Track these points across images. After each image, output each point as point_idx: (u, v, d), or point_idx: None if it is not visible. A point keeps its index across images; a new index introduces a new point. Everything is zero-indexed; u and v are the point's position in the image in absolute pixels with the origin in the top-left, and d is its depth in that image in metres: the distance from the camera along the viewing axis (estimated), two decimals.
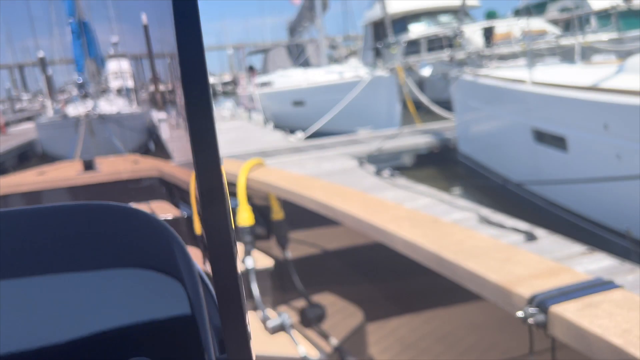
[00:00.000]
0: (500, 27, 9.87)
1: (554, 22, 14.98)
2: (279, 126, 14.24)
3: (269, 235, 2.64)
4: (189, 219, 2.79)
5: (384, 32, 22.48)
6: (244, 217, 2.33)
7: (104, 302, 0.54)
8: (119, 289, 0.55)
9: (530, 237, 3.40)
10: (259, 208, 2.46)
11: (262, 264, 2.52)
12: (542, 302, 1.83)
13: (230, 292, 0.44)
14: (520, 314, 1.86)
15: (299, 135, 11.71)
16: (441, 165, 9.11)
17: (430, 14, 21.06)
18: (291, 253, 2.40)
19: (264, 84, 17.47)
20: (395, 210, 1.84)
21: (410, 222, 1.63)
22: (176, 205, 3.24)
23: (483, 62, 8.19)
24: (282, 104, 15.30)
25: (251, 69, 21.28)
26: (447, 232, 1.54)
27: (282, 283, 2.42)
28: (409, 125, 11.10)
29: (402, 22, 20.42)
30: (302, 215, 2.16)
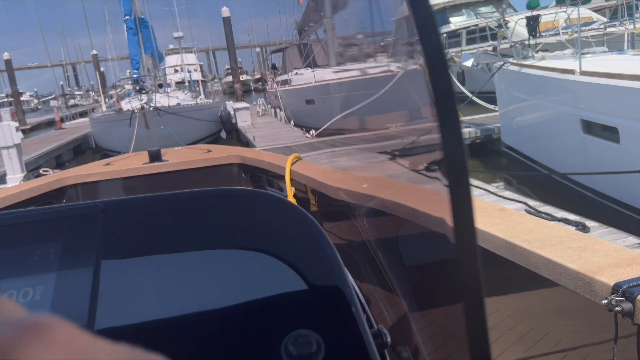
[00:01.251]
0: (544, 16, 9.69)
1: (599, 10, 14.50)
2: (298, 124, 14.42)
3: None
4: None
5: None
6: None
7: (257, 279, 0.57)
8: (268, 268, 0.58)
9: (583, 228, 3.33)
10: (299, 200, 2.59)
11: None
12: (628, 291, 1.82)
13: (471, 270, 0.47)
14: (604, 302, 1.86)
15: (312, 132, 11.84)
16: (484, 157, 9.10)
17: (470, 5, 20.70)
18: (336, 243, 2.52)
19: (284, 82, 17.58)
20: None
21: (478, 210, 1.66)
22: (262, 189, 3.46)
23: (528, 52, 8.13)
24: (298, 101, 15.38)
25: (274, 67, 21.35)
26: (517, 221, 1.57)
27: None
28: None
29: (442, 14, 20.19)
30: (337, 207, 2.20)
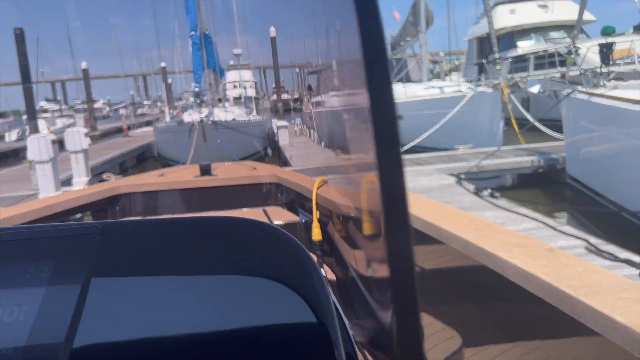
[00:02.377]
0: (619, 44, 9.21)
1: None
2: (329, 145, 14.30)
3: (331, 252, 2.67)
4: (306, 224, 2.96)
5: (489, 47, 21.87)
6: (315, 232, 2.43)
7: (239, 309, 0.56)
8: (251, 296, 0.57)
9: None
10: (325, 225, 2.53)
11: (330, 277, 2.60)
12: None
13: (407, 295, 0.48)
14: None
15: None
16: (546, 187, 8.66)
17: (540, 30, 20.12)
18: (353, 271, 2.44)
19: (318, 103, 17.62)
20: (505, 235, 1.73)
21: (523, 249, 1.54)
22: (293, 210, 3.43)
23: (599, 80, 7.70)
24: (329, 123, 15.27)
25: (310, 88, 21.41)
26: (565, 264, 1.44)
27: (342, 301, 2.41)
28: (512, 144, 10.69)
29: (509, 38, 19.72)
30: (362, 233, 2.11)
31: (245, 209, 3.38)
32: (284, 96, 36.85)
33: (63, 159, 10.52)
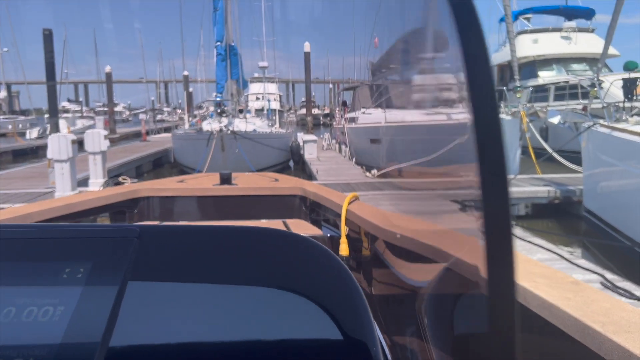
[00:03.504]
0: None
1: None
2: (360, 162, 14.43)
3: (358, 268, 2.63)
4: (332, 239, 2.92)
5: (510, 75, 21.85)
6: (343, 247, 2.42)
7: (275, 322, 0.55)
8: (290, 310, 0.56)
9: None
10: (352, 241, 2.51)
11: None
12: None
13: (504, 308, 0.47)
14: None
15: (373, 172, 11.80)
16: (562, 219, 8.56)
17: (562, 61, 20.08)
18: (384, 290, 2.40)
19: (351, 119, 17.80)
20: (529, 264, 1.67)
21: (548, 280, 1.49)
22: (317, 224, 3.40)
23: (622, 115, 7.65)
24: (363, 140, 15.43)
25: (344, 104, 21.79)
26: (591, 298, 1.38)
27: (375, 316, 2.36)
28: (528, 173, 10.60)
29: (531, 67, 19.70)
30: (397, 253, 2.08)
31: (264, 220, 3.37)
32: (314, 111, 37.21)
33: (81, 159, 10.66)
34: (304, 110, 43.18)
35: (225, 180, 3.53)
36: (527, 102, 11.70)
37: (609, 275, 4.34)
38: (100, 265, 0.56)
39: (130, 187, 3.49)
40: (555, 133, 13.96)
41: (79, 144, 10.18)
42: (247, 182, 3.61)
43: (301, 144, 16.60)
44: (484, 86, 0.49)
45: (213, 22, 13.34)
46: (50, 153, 8.66)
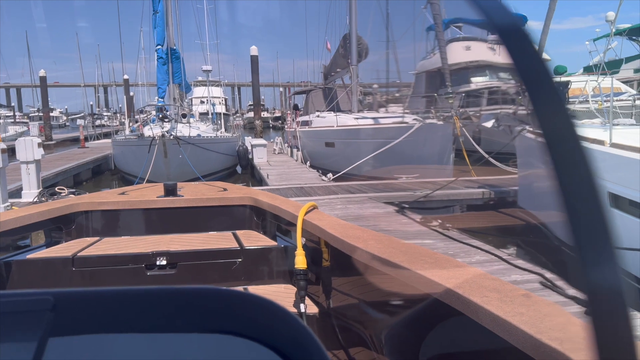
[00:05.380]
0: (574, 83, 9.63)
1: (628, 82, 14.48)
2: (314, 165, 14.55)
3: (317, 281, 2.61)
4: (287, 250, 2.90)
5: (440, 81, 22.52)
6: (300, 260, 2.42)
7: None
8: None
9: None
10: (309, 251, 2.50)
11: (310, 310, 2.51)
12: None
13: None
14: None
15: (329, 175, 11.92)
16: (497, 219, 8.95)
17: (492, 67, 20.93)
18: (338, 303, 2.39)
19: (304, 123, 17.90)
20: (479, 278, 1.59)
21: (499, 294, 1.44)
22: (269, 235, 3.35)
23: None
24: (317, 143, 15.56)
25: (296, 108, 21.88)
26: (544, 313, 1.34)
27: (325, 334, 2.34)
28: (466, 176, 11.01)
29: (463, 72, 20.43)
30: (351, 265, 2.09)
31: (212, 232, 3.31)
32: (263, 114, 36.85)
33: (13, 167, 10.12)
34: (251, 114, 42.79)
35: (170, 191, 3.44)
36: (460, 107, 12.16)
37: (548, 275, 4.45)
38: (7, 343, 0.49)
39: (66, 202, 3.34)
40: (489, 137, 14.55)
41: (11, 152, 9.66)
42: (193, 193, 3.53)
43: (249, 148, 16.48)
44: (563, 126, 0.44)
45: (153, 25, 13.02)
46: None
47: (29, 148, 9.53)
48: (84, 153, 19.82)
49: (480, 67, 20.74)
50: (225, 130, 18.79)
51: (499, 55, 20.34)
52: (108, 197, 3.51)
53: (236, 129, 19.54)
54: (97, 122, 40.03)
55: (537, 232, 7.83)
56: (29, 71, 57.90)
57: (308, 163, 14.85)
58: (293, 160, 16.88)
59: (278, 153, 18.64)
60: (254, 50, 21.42)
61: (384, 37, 21.36)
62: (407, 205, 7.61)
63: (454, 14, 20.89)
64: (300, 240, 2.38)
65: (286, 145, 19.46)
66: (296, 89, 32.23)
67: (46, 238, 3.34)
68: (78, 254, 2.80)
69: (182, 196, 3.44)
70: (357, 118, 14.40)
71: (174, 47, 14.67)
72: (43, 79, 31.26)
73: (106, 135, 28.16)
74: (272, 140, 19.58)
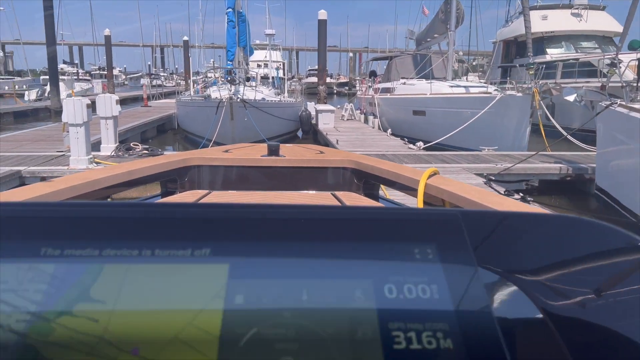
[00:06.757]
0: None
1: None
2: (395, 133, 14.39)
3: None
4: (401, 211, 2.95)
5: (517, 51, 21.73)
6: None
7: None
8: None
9: None
10: None
11: None
12: None
13: None
14: None
15: (419, 144, 11.78)
16: (573, 196, 8.69)
17: (571, 38, 19.95)
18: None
19: (384, 90, 17.72)
20: None
21: None
22: (372, 197, 3.40)
23: (637, 95, 7.70)
24: (402, 111, 15.41)
25: (373, 74, 21.68)
26: None
27: None
28: (536, 150, 10.70)
29: (539, 43, 19.57)
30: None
31: (312, 192, 3.39)
32: (328, 80, 36.89)
33: (91, 122, 10.59)
34: (310, 79, 42.59)
35: (274, 151, 3.54)
36: (539, 79, 11.67)
37: None
38: (444, 246, 0.56)
39: (181, 156, 3.51)
40: (562, 111, 14.00)
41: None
42: (293, 154, 3.62)
43: (313, 113, 16.62)
44: None
45: None
46: (65, 117, 8.59)
47: (108, 105, 9.93)
48: (148, 112, 20.47)
49: (556, 38, 19.78)
50: (286, 94, 18.88)
51: (585, 22, 19.31)
52: (216, 154, 3.65)
53: (299, 95, 19.57)
54: (154, 82, 41.16)
55: (613, 211, 7.58)
56: (91, 30, 59.68)
57: (389, 131, 14.72)
58: (369, 127, 16.72)
59: (347, 119, 18.57)
60: (322, 14, 21.15)
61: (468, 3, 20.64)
62: (493, 178, 7.54)
63: None
64: (421, 203, 2.40)
65: (358, 111, 19.38)
66: (374, 55, 31.79)
67: (162, 188, 3.52)
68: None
69: (284, 156, 3.53)
70: (452, 86, 14.21)
71: (241, 10, 14.71)
72: (108, 39, 32.18)
73: (167, 95, 28.90)
74: (338, 106, 19.49)
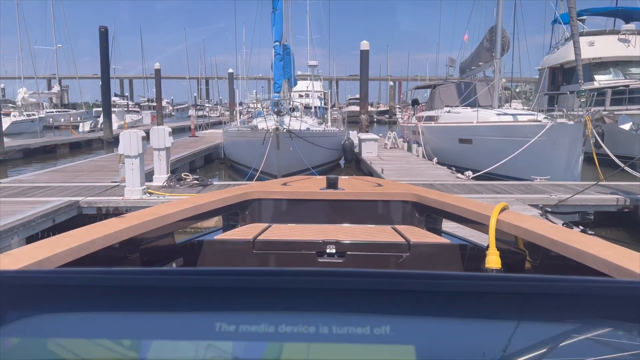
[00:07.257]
0: None
1: None
2: (440, 162, 14.27)
3: None
4: (457, 247, 2.86)
5: (563, 77, 21.31)
6: (493, 259, 2.37)
7: None
8: None
9: None
10: (504, 252, 2.45)
11: None
12: None
13: None
14: None
15: (468, 173, 11.62)
16: (631, 229, 8.33)
17: (619, 64, 19.45)
18: None
19: (428, 118, 17.67)
20: None
21: None
22: (435, 231, 3.36)
23: None
24: (447, 140, 15.29)
25: (415, 103, 21.71)
26: None
27: None
28: (589, 179, 10.37)
29: (586, 70, 19.15)
30: (558, 265, 2.02)
31: (372, 225, 3.38)
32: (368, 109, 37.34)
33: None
34: (350, 108, 43.17)
35: (332, 184, 3.58)
36: (589, 107, 11.37)
37: None
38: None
39: (242, 190, 3.60)
40: (613, 139, 13.54)
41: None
42: (351, 187, 3.64)
43: (356, 142, 16.65)
44: None
45: (272, 22, 13.46)
46: (121, 149, 8.97)
47: (162, 136, 10.33)
48: (195, 142, 21.10)
49: (604, 64, 19.33)
50: (326, 123, 19.12)
51: (634, 47, 18.84)
52: (275, 187, 3.71)
53: (341, 124, 19.80)
54: (199, 113, 42.51)
55: None
56: (141, 64, 62.61)
57: (435, 160, 14.63)
58: (413, 155, 16.69)
59: (390, 148, 18.60)
60: (364, 45, 21.59)
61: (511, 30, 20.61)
62: (549, 209, 7.37)
63: (578, 6, 19.72)
64: (493, 240, 2.34)
65: (401, 140, 19.43)
66: (418, 83, 31.98)
67: (224, 222, 3.61)
68: (257, 238, 3.00)
69: (343, 189, 3.55)
70: (499, 114, 14.09)
71: (286, 43, 15.14)
72: (158, 72, 33.64)
73: (212, 125, 29.77)
74: (380, 135, 19.64)
